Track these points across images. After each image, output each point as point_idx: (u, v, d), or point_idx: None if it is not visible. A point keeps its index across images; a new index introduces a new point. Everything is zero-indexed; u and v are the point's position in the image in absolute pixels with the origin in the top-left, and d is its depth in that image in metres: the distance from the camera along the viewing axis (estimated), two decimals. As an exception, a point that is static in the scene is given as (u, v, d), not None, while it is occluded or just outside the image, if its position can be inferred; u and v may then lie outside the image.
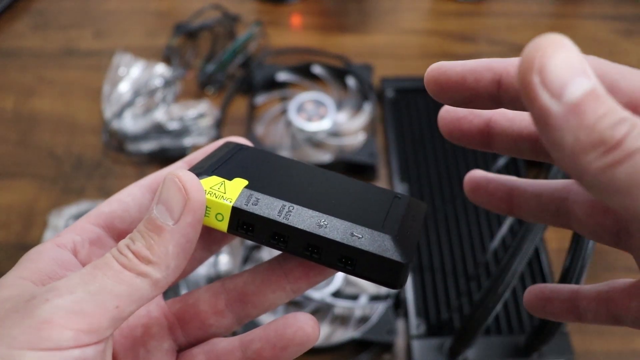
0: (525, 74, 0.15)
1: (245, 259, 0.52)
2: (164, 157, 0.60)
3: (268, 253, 0.52)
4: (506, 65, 0.19)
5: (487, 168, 0.57)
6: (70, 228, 0.24)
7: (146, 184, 0.26)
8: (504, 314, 0.49)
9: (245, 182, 0.23)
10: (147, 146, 0.60)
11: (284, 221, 0.22)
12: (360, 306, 0.49)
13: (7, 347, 0.18)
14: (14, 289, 0.20)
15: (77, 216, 0.54)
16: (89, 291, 0.19)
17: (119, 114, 0.62)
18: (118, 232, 0.25)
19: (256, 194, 0.23)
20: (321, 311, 0.49)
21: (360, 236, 0.22)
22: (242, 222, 0.23)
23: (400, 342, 0.48)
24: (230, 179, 0.23)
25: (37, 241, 0.53)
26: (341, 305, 0.49)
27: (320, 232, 0.22)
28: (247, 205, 0.23)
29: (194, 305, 0.25)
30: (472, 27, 0.74)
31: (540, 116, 0.15)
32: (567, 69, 0.15)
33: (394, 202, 0.24)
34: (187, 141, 0.61)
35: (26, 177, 0.59)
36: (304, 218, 0.22)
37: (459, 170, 0.58)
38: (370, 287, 0.50)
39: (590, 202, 0.22)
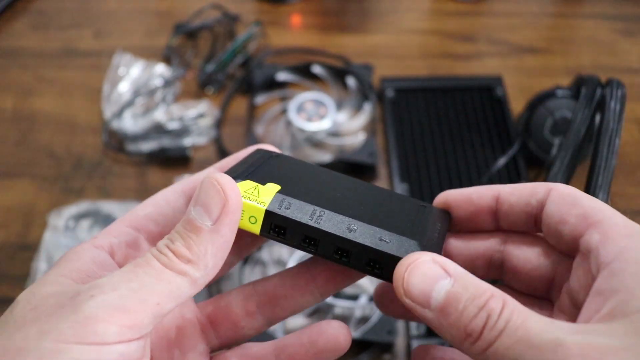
0: (400, 297, 0.20)
1: (245, 260, 0.52)
2: (164, 157, 0.60)
3: (267, 252, 0.52)
4: (503, 187, 0.24)
5: (487, 167, 0.57)
6: (107, 230, 0.25)
7: (180, 188, 0.27)
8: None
9: (278, 187, 0.24)
10: (147, 146, 0.60)
11: (316, 225, 0.23)
12: (361, 306, 0.49)
13: (55, 342, 0.18)
14: (56, 286, 0.21)
15: (77, 216, 0.54)
16: (131, 288, 0.20)
17: (119, 114, 0.62)
18: (153, 235, 0.26)
19: (289, 199, 0.24)
20: (321, 311, 0.49)
21: (389, 241, 0.23)
22: (275, 225, 0.23)
23: (400, 342, 0.48)
24: (263, 183, 0.24)
25: (37, 241, 0.53)
26: (341, 305, 0.49)
27: (350, 236, 0.23)
28: (279, 208, 0.23)
29: (226, 307, 0.26)
30: (472, 27, 0.74)
31: (426, 323, 0.20)
32: (424, 282, 0.20)
33: (420, 210, 0.25)
34: (187, 141, 0.61)
35: (26, 177, 0.59)
36: (334, 222, 0.23)
37: (459, 170, 0.58)
38: (370, 287, 0.50)
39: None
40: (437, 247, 0.24)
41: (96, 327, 0.19)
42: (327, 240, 0.23)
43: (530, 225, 0.24)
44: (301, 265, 0.26)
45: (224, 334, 0.26)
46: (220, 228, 0.21)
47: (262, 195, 0.24)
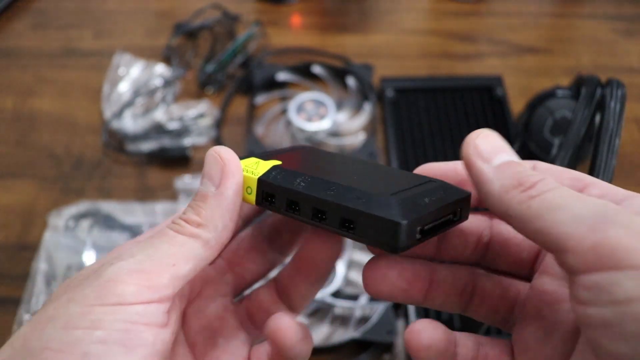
0: (466, 149, 0.22)
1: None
2: (164, 157, 0.60)
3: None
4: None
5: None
6: (150, 230, 0.27)
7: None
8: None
9: (277, 162, 0.25)
10: (147, 146, 0.60)
11: (296, 188, 0.23)
12: (360, 306, 0.49)
13: (80, 305, 0.20)
14: (81, 274, 0.23)
15: (77, 216, 0.54)
16: (148, 254, 0.22)
17: (119, 114, 0.62)
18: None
19: (282, 170, 0.24)
20: (321, 311, 0.49)
21: (364, 200, 0.22)
22: (266, 193, 0.24)
23: (400, 342, 0.48)
24: (266, 160, 0.25)
25: (37, 241, 0.53)
26: (341, 305, 0.49)
27: (324, 195, 0.23)
28: (269, 177, 0.24)
29: (257, 299, 0.28)
30: (472, 27, 0.74)
31: (477, 175, 0.21)
32: (492, 145, 0.22)
33: (423, 183, 0.24)
34: (187, 141, 0.61)
35: (26, 177, 0.59)
36: (316, 186, 0.23)
37: (459, 170, 0.58)
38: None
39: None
40: (424, 210, 0.22)
41: (115, 288, 0.20)
42: (305, 202, 0.23)
43: None
44: (293, 260, 0.27)
45: (260, 323, 0.27)
46: (223, 191, 0.23)
47: (260, 168, 0.25)
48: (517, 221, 0.20)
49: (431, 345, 0.23)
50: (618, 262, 0.16)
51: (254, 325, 0.28)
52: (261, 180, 0.24)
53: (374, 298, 0.25)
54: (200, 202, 0.23)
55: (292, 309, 0.28)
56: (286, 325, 0.24)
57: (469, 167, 0.22)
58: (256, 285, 0.29)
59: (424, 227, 0.22)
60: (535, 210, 0.19)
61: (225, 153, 0.24)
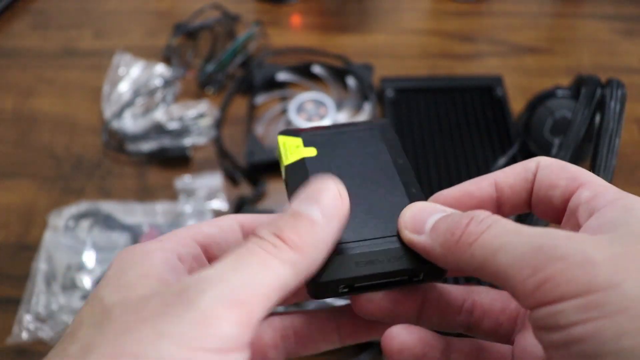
0: (401, 231, 0.23)
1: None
2: (164, 157, 0.60)
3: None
4: (495, 173, 0.25)
5: (487, 167, 0.57)
6: (172, 237, 0.24)
7: (240, 220, 0.26)
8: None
9: (313, 153, 0.27)
10: (147, 146, 0.60)
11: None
12: (360, 306, 0.49)
13: (177, 346, 0.17)
14: (146, 287, 0.19)
15: (77, 216, 0.54)
16: (242, 280, 0.18)
17: (119, 114, 0.62)
18: (209, 256, 0.25)
19: (310, 163, 0.26)
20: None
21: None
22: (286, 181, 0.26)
23: (400, 342, 0.48)
24: (307, 146, 0.27)
25: (37, 241, 0.53)
26: (341, 305, 0.49)
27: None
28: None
29: (258, 336, 0.25)
30: (472, 27, 0.74)
31: (419, 248, 0.22)
32: (419, 213, 0.23)
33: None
34: (187, 141, 0.61)
35: (26, 177, 0.59)
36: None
37: (458, 170, 0.58)
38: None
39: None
40: (349, 272, 0.23)
41: (218, 328, 0.17)
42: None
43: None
44: (329, 312, 0.26)
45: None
46: (332, 224, 0.21)
47: (295, 154, 0.27)
48: (472, 272, 0.20)
49: (402, 350, 0.23)
50: (560, 295, 0.17)
51: None
52: (287, 167, 0.26)
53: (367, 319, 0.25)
54: (305, 223, 0.20)
55: (291, 355, 0.25)
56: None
57: (410, 245, 0.23)
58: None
59: (351, 285, 0.23)
60: (479, 258, 0.19)
61: (343, 190, 0.22)
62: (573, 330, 0.17)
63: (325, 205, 0.21)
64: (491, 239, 0.19)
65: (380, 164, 0.28)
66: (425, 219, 0.22)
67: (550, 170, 0.23)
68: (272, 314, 0.25)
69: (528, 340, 0.23)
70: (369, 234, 0.24)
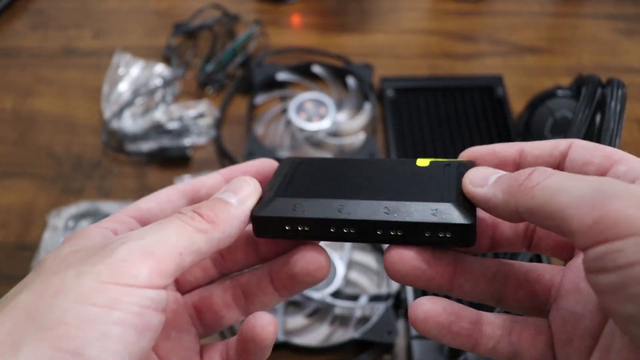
0: (465, 187, 0.24)
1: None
2: (164, 157, 0.60)
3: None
4: (525, 143, 0.26)
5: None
6: (110, 217, 0.27)
7: (182, 189, 0.29)
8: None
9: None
10: (147, 146, 0.60)
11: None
12: (361, 306, 0.49)
13: (93, 281, 0.20)
14: (80, 251, 0.22)
15: (77, 216, 0.54)
16: (158, 239, 0.22)
17: (119, 114, 0.62)
18: None
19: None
20: (321, 311, 0.49)
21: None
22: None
23: (400, 342, 0.48)
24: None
25: (36, 241, 0.53)
26: (341, 305, 0.49)
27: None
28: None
29: (209, 297, 0.28)
30: (472, 27, 0.74)
31: (481, 200, 0.23)
32: (483, 172, 0.24)
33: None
34: (187, 141, 0.61)
35: (25, 177, 0.59)
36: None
37: (459, 170, 0.58)
38: (370, 287, 0.50)
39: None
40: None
41: (130, 269, 0.20)
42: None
43: None
44: (265, 267, 0.27)
45: (208, 322, 0.28)
46: (244, 202, 0.25)
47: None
48: (529, 215, 0.21)
49: (427, 319, 0.24)
50: (619, 232, 0.17)
51: (201, 322, 0.28)
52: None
53: (398, 282, 0.25)
54: (221, 205, 0.24)
55: (246, 313, 0.27)
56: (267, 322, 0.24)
57: (473, 199, 0.24)
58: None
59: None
60: (540, 199, 0.20)
61: (252, 179, 0.26)
62: (631, 270, 0.17)
63: (240, 191, 0.25)
64: (553, 182, 0.20)
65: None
66: (488, 175, 0.24)
67: (585, 149, 0.23)
68: (226, 277, 0.28)
69: (568, 306, 0.23)
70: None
